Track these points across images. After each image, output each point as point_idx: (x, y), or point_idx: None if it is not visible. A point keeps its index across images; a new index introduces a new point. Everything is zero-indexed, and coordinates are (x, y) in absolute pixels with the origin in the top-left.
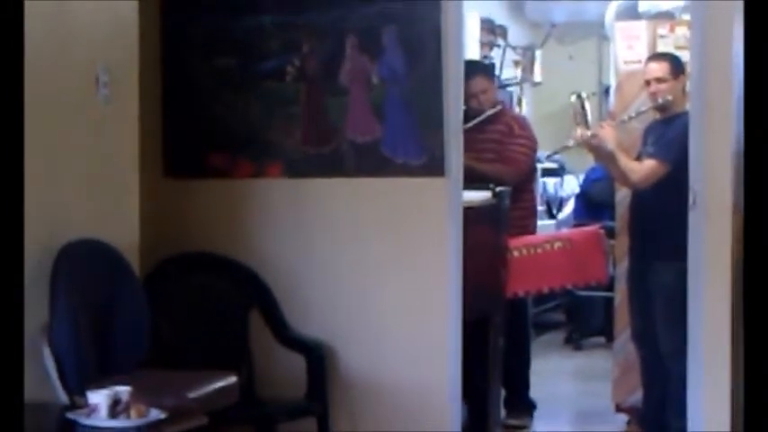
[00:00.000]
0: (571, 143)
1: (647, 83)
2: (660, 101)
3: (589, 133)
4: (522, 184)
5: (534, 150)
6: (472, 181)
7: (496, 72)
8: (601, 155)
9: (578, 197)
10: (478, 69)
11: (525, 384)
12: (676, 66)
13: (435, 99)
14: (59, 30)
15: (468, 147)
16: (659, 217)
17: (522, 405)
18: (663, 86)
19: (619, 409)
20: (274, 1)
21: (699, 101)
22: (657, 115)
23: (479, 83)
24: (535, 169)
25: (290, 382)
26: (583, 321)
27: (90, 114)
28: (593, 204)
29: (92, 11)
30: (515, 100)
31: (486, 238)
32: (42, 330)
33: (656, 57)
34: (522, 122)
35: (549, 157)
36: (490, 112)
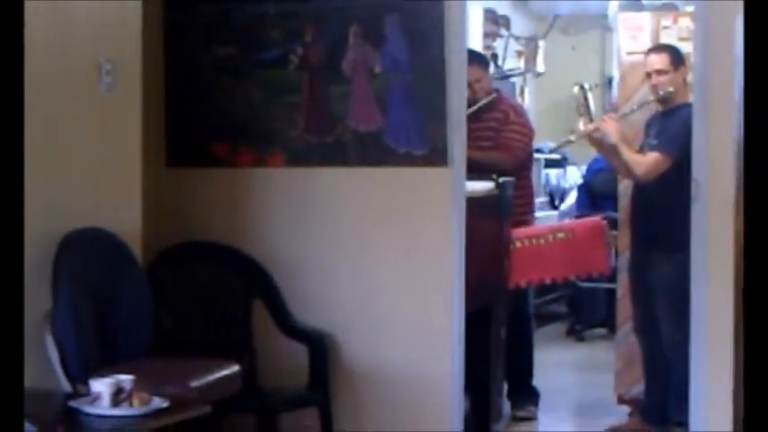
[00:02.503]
0: (573, 137)
1: (648, 75)
2: (661, 93)
3: (591, 127)
4: (519, 172)
5: (530, 138)
6: (469, 169)
7: (500, 62)
8: (604, 148)
9: (581, 188)
10: (471, 58)
11: (529, 374)
12: (677, 57)
13: (438, 89)
14: (62, 18)
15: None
16: (661, 208)
17: (527, 394)
18: (663, 78)
19: (621, 400)
20: None
21: (702, 92)
22: (659, 107)
23: (473, 72)
24: (532, 156)
25: (292, 371)
26: (585, 313)
27: (93, 103)
28: (595, 195)
29: None
30: (518, 90)
31: (489, 228)
32: (45, 319)
33: (656, 48)
34: (517, 110)
35: (552, 152)
36: (485, 100)
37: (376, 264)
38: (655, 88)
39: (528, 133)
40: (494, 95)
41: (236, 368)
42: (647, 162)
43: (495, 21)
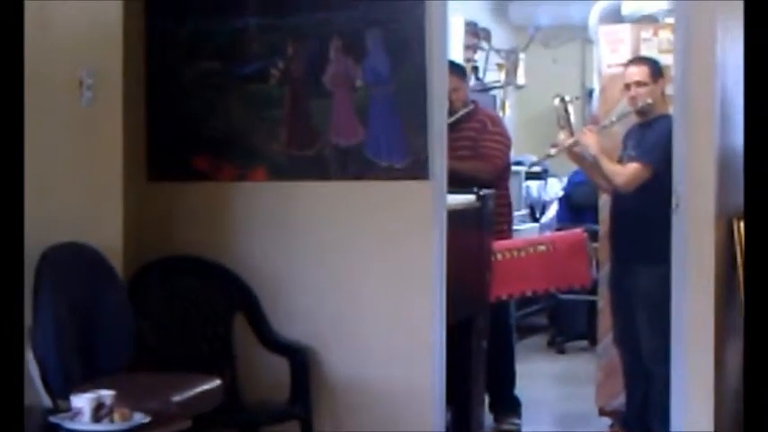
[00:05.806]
0: (553, 151)
1: (627, 87)
2: (640, 104)
3: (571, 140)
4: (498, 183)
5: (508, 147)
6: (449, 180)
7: (480, 75)
8: (584, 163)
9: (561, 200)
10: (449, 68)
11: (510, 386)
12: (656, 69)
13: (419, 102)
14: (43, 32)
15: None
16: (640, 220)
17: (509, 405)
18: (642, 90)
19: (602, 412)
20: (258, 3)
21: (682, 104)
22: (638, 119)
23: (450, 82)
24: (510, 166)
25: (273, 385)
26: (566, 325)
27: (73, 117)
28: (576, 208)
29: (75, 13)
30: (499, 103)
31: (470, 241)
32: (26, 334)
33: (635, 61)
34: (495, 119)
35: (532, 166)
36: (463, 111)
37: (357, 277)
38: (633, 100)
39: (506, 142)
40: (471, 106)
41: (217, 382)
42: (626, 172)
43: (475, 33)
